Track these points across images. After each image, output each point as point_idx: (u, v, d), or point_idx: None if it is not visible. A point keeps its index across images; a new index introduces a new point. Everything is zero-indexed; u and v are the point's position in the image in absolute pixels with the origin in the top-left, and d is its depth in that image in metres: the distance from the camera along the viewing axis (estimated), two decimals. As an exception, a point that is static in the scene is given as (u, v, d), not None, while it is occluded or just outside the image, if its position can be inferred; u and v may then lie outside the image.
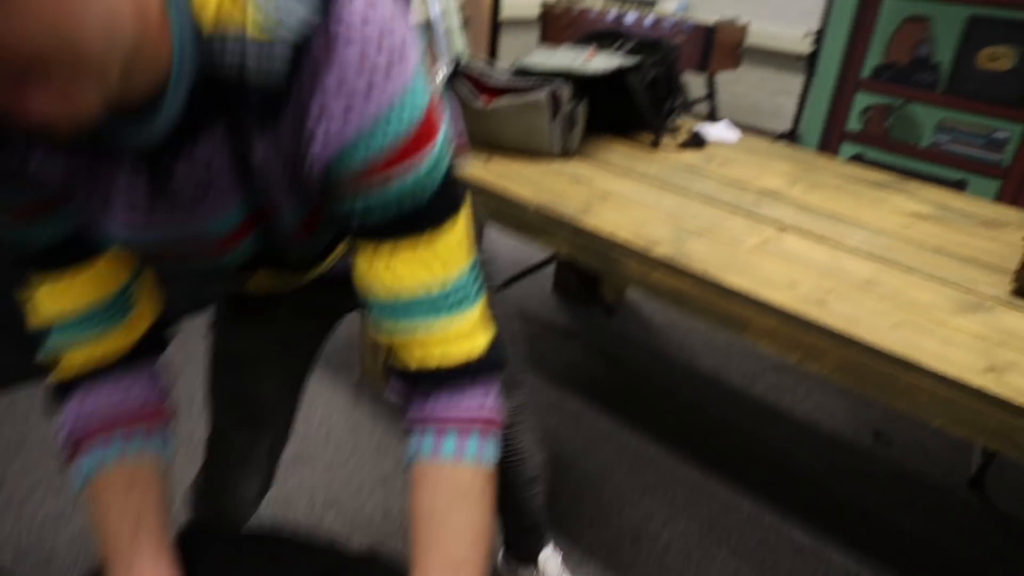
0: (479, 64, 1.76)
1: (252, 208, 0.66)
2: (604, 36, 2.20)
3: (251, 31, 0.54)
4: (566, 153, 1.78)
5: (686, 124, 2.16)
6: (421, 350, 0.69)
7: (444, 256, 0.66)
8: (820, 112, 3.58)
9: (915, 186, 1.78)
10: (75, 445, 0.74)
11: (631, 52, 2.08)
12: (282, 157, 0.61)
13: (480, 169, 1.65)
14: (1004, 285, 1.29)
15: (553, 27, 4.55)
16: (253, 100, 0.57)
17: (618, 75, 1.90)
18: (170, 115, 0.56)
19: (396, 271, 0.65)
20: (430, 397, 0.70)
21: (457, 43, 4.02)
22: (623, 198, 1.54)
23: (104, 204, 0.65)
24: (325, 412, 1.97)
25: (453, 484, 0.69)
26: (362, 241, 0.66)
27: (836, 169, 1.88)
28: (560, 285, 2.73)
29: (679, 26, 4.51)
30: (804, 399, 2.18)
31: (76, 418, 0.74)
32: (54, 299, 0.72)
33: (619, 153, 1.86)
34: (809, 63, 3.58)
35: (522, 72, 1.80)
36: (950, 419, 1.02)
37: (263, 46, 0.54)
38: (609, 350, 2.38)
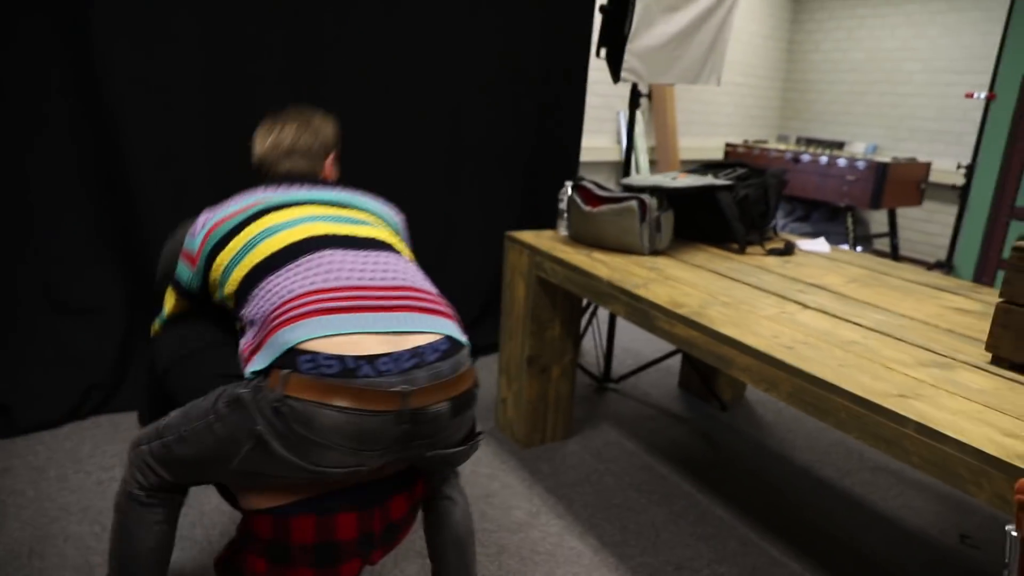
0: (591, 182, 2.31)
1: None
2: (724, 165, 2.65)
3: None
4: (654, 252, 2.24)
5: (784, 237, 2.50)
6: None
7: None
8: (974, 242, 3.60)
9: (990, 293, 1.96)
10: None
11: (740, 177, 2.52)
12: None
13: (584, 258, 2.16)
14: (986, 357, 1.49)
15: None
16: None
17: (710, 192, 2.35)
18: None
19: None
20: None
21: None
22: (680, 281, 1.96)
23: None
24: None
25: None
26: None
27: (908, 276, 2.11)
28: (684, 381, 3.06)
29: (852, 165, 4.76)
30: (894, 497, 2.26)
31: None
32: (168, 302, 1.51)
33: (703, 254, 2.27)
34: (962, 195, 3.65)
35: (626, 187, 2.31)
36: (864, 433, 1.28)
37: None
38: (712, 435, 2.64)
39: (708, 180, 2.32)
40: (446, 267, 3.30)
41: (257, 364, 1.14)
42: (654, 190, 2.22)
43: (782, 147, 5.38)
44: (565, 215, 2.43)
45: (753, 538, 2.05)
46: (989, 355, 1.49)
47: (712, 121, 6.00)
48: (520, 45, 3.20)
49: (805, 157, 5.04)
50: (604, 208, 2.23)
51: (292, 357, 1.10)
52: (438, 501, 1.44)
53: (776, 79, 6.38)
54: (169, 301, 1.54)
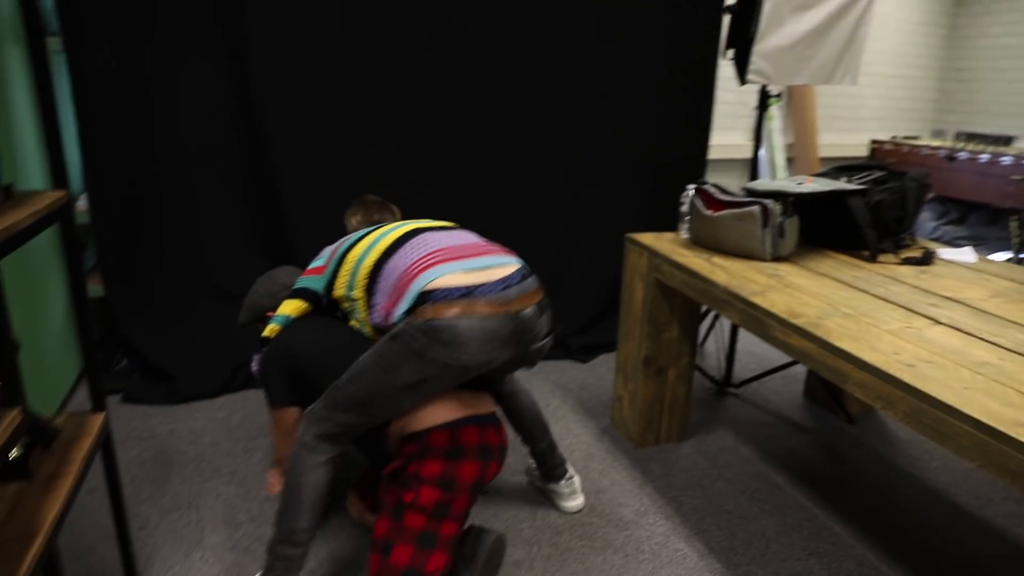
0: (713, 185, 2.29)
1: None
2: (860, 168, 2.54)
3: None
4: (777, 258, 2.18)
5: (924, 245, 2.36)
6: None
7: None
8: None
9: None
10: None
11: (876, 181, 2.41)
12: None
13: (703, 262, 2.15)
14: None
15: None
16: None
17: (840, 197, 2.26)
18: None
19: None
20: None
21: (779, 176, 4.52)
22: (800, 289, 1.91)
23: None
24: (574, 443, 2.51)
25: None
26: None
27: (1058, 291, 1.94)
28: (809, 390, 2.95)
29: (1018, 163, 4.37)
30: (1039, 531, 2.09)
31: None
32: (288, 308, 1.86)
33: (830, 262, 2.19)
34: None
35: (748, 192, 2.27)
36: (987, 462, 1.22)
37: None
38: (836, 448, 2.54)
39: (837, 184, 2.23)
40: (571, 266, 3.36)
41: (401, 308, 1.59)
42: (778, 195, 2.16)
43: (936, 143, 5.00)
44: (687, 218, 2.42)
45: (872, 560, 1.97)
46: None
47: (857, 116, 5.66)
48: (648, 45, 3.19)
49: (962, 155, 4.66)
50: (725, 212, 2.21)
51: (425, 296, 1.56)
52: (514, 396, 2.09)
53: (932, 69, 5.91)
54: (287, 307, 1.90)
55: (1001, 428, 1.19)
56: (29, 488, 1.30)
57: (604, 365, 3.23)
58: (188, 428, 2.58)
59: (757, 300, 1.81)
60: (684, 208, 2.43)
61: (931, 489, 2.32)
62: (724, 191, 2.27)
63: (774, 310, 1.74)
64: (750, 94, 4.97)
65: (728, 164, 5.06)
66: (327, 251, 1.94)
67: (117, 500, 1.66)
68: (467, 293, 1.56)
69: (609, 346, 3.33)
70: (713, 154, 4.83)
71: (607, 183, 3.34)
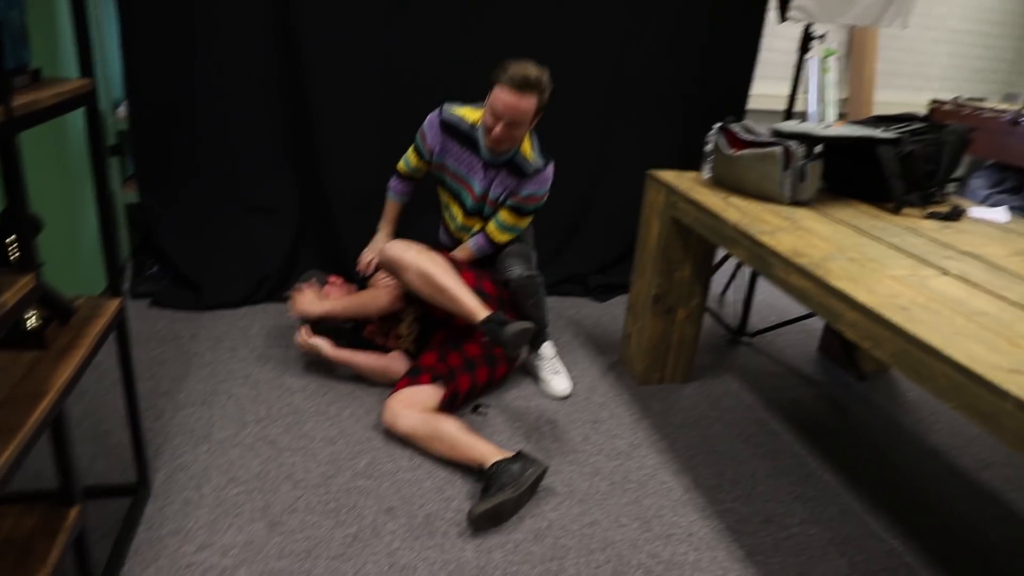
0: (739, 124, 2.23)
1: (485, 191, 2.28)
2: (897, 119, 2.45)
3: (531, 157, 2.15)
4: (797, 202, 2.13)
5: (954, 201, 2.28)
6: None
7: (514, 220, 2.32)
8: None
9: None
10: (392, 188, 2.56)
11: (916, 133, 2.31)
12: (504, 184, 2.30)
13: (719, 201, 2.12)
14: None
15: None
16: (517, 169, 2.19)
17: (869, 145, 2.18)
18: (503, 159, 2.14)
19: (500, 216, 2.27)
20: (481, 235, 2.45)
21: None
22: (812, 232, 1.87)
23: (459, 160, 2.40)
24: (579, 376, 2.54)
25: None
26: (500, 207, 2.31)
27: (1086, 253, 1.86)
28: (824, 346, 2.90)
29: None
30: (1039, 498, 2.05)
31: (399, 187, 2.55)
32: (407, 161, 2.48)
33: (851, 210, 2.13)
34: None
35: (775, 133, 2.21)
36: (961, 404, 1.20)
37: (533, 163, 2.22)
38: (842, 403, 2.51)
39: (867, 131, 2.15)
40: (597, 202, 3.34)
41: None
42: (802, 137, 2.10)
43: (1002, 106, 4.74)
44: (710, 158, 2.38)
45: (856, 508, 1.97)
46: None
47: (923, 74, 5.39)
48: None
49: (1027, 119, 4.42)
50: (747, 152, 2.16)
51: None
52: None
53: (1011, 26, 5.56)
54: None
55: (978, 370, 1.17)
56: (44, 356, 1.39)
57: (621, 306, 3.22)
58: (210, 334, 2.69)
59: (764, 239, 1.78)
60: (708, 147, 2.38)
61: (931, 450, 2.29)
62: (749, 131, 2.21)
63: (779, 249, 1.71)
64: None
65: (775, 116, 4.90)
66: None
67: (130, 384, 1.75)
68: None
69: (628, 287, 3.31)
70: (759, 104, 4.66)
71: (641, 122, 3.27)
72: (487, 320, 2.03)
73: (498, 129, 2.16)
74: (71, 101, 1.37)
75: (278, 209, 3.02)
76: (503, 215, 2.38)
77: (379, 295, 2.37)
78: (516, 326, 1.97)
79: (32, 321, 1.42)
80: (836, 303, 1.50)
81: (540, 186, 2.34)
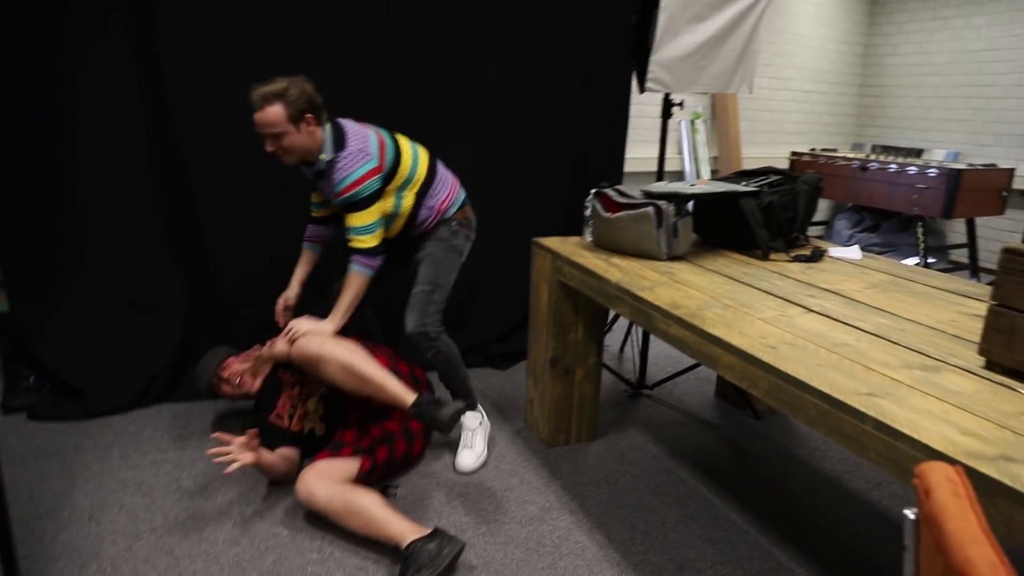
0: (613, 188, 2.37)
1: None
2: (756, 173, 2.65)
3: (323, 155, 1.94)
4: (673, 257, 2.27)
5: (816, 244, 2.48)
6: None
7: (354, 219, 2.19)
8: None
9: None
10: (305, 238, 2.52)
11: (773, 184, 2.52)
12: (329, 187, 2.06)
13: (601, 262, 2.22)
14: (980, 362, 1.46)
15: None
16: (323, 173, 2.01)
17: (733, 199, 2.36)
18: (317, 168, 1.86)
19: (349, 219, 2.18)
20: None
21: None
22: (688, 284, 1.99)
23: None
24: (488, 444, 2.54)
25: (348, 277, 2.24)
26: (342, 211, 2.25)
27: (937, 283, 2.06)
28: (720, 390, 3.04)
29: (923, 173, 4.59)
30: (924, 511, 2.19)
31: (309, 231, 2.51)
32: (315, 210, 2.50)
33: (723, 260, 2.28)
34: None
35: (645, 194, 2.36)
36: (830, 430, 1.30)
37: (324, 159, 2.07)
38: (740, 442, 2.63)
39: (729, 187, 2.33)
40: (489, 274, 3.41)
41: (452, 209, 2.43)
42: (671, 196, 2.25)
43: (851, 155, 5.23)
44: (590, 222, 2.50)
45: (763, 543, 2.05)
46: (984, 359, 1.47)
47: (780, 130, 5.88)
48: (562, 59, 3.28)
49: (873, 165, 4.89)
50: (622, 214, 2.29)
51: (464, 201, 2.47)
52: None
53: (851, 85, 6.19)
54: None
55: (840, 397, 1.27)
56: None
57: (521, 372, 3.27)
58: (96, 443, 2.53)
59: (644, 295, 1.88)
60: (588, 212, 2.50)
61: (826, 477, 2.42)
62: (623, 194, 2.35)
63: (658, 303, 1.81)
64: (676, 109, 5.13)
65: (649, 176, 5.21)
66: (373, 150, 2.24)
67: (1, 510, 1.63)
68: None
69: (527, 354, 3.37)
70: (635, 166, 4.96)
71: (527, 191, 3.40)
72: (418, 405, 2.03)
73: (268, 147, 2.17)
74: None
75: (165, 304, 2.92)
76: (345, 220, 2.24)
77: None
78: (450, 408, 1.99)
79: None
80: (713, 348, 1.59)
81: (341, 174, 2.17)
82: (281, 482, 2.31)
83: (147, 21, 2.63)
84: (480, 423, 2.52)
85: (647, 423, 2.78)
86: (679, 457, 2.52)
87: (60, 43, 2.59)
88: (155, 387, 2.84)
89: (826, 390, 1.30)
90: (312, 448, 2.37)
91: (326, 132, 2.22)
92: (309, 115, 2.15)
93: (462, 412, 2.02)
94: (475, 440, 2.47)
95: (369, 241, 2.23)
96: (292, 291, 2.53)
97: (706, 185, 2.34)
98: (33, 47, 2.57)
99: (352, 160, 2.17)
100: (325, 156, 2.20)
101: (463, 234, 2.45)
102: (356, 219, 2.21)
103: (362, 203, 2.20)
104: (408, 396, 2.07)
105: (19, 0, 2.51)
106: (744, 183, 2.53)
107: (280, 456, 2.25)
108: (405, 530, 1.89)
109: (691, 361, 3.37)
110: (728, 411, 2.91)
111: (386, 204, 2.32)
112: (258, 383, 2.50)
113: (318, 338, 2.16)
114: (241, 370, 2.50)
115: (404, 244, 2.48)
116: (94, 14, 2.60)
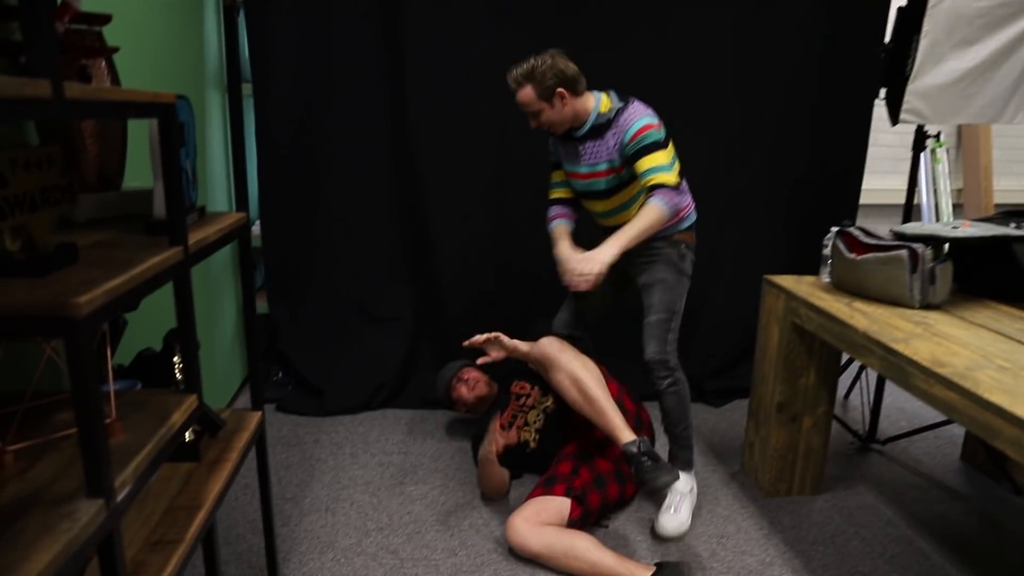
0: (858, 228, 2.20)
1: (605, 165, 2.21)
2: (1028, 215, 2.34)
3: (605, 108, 2.16)
4: (927, 306, 2.05)
5: (1102, 300, 2.13)
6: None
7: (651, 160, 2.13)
8: None
9: None
10: (552, 218, 2.38)
11: (1049, 229, 2.21)
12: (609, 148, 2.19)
13: (843, 307, 2.06)
14: None
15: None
16: (602, 128, 2.18)
17: (1004, 244, 2.10)
18: (583, 131, 2.12)
19: (637, 167, 2.14)
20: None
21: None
22: (950, 338, 1.78)
23: (568, 157, 2.31)
24: (700, 486, 2.44)
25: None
26: (629, 166, 2.18)
27: None
28: (969, 454, 2.69)
29: None
30: None
31: (554, 211, 2.40)
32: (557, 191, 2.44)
33: (989, 312, 2.03)
34: None
35: (897, 236, 2.16)
36: None
37: (609, 111, 2.17)
38: (999, 519, 2.29)
39: (1001, 229, 2.07)
40: (708, 307, 3.31)
41: (687, 222, 2.34)
42: (930, 239, 2.04)
43: None
44: (829, 261, 2.33)
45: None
46: None
47: (1043, 160, 5.14)
48: (798, 84, 3.12)
49: None
50: (869, 256, 2.11)
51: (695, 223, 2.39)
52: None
53: None
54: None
55: None
56: (197, 468, 1.49)
57: (738, 411, 3.12)
58: (331, 439, 2.78)
59: (899, 347, 1.71)
60: (827, 251, 2.34)
61: (1112, 576, 2.05)
62: (869, 234, 2.17)
63: (916, 358, 1.64)
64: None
65: (887, 209, 4.77)
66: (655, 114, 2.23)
67: (265, 491, 1.83)
68: None
69: (744, 392, 3.21)
70: (869, 199, 4.56)
71: (749, 225, 3.27)
72: (635, 445, 2.01)
73: (531, 123, 2.25)
74: (231, 234, 1.52)
75: (397, 318, 3.16)
76: (639, 165, 2.15)
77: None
78: (665, 477, 1.94)
79: (188, 435, 1.52)
80: (992, 419, 1.41)
81: (633, 117, 2.15)
82: (489, 498, 2.38)
83: (398, 58, 2.87)
84: (691, 490, 2.29)
85: (879, 482, 2.53)
86: (919, 526, 2.27)
87: (331, 81, 2.91)
88: (382, 393, 3.07)
89: None
90: (521, 462, 2.42)
91: (596, 96, 2.22)
92: (560, 89, 2.15)
93: (672, 481, 1.94)
94: (682, 506, 2.17)
95: (672, 177, 2.13)
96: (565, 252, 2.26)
97: (971, 227, 2.09)
98: (306, 83, 2.91)
99: (641, 109, 2.18)
100: (612, 108, 2.18)
101: (690, 259, 2.33)
102: (654, 159, 2.13)
103: (656, 145, 2.14)
104: (627, 433, 2.04)
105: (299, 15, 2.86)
106: (1013, 224, 2.24)
107: (498, 465, 2.32)
108: (633, 570, 1.89)
109: (932, 416, 3.02)
110: (979, 480, 2.57)
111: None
112: (490, 390, 2.66)
113: (558, 343, 2.25)
114: (479, 377, 2.68)
115: (634, 254, 2.26)
116: (356, 57, 2.89)
